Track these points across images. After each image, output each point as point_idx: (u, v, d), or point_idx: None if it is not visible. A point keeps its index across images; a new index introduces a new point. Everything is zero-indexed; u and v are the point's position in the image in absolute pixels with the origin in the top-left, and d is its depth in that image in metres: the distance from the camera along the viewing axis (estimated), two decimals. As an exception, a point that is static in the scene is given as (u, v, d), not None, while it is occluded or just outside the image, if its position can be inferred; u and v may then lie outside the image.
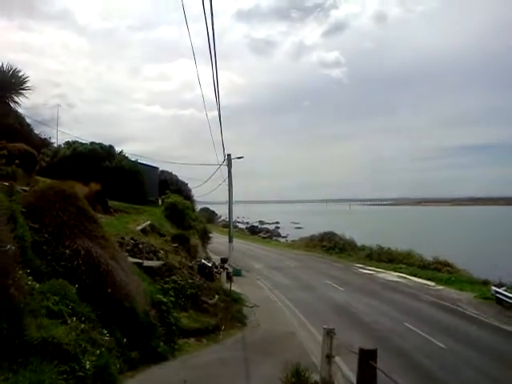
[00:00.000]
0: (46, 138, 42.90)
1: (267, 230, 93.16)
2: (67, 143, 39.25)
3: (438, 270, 34.84)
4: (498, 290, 22.82)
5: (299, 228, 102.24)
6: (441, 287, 28.02)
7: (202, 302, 18.32)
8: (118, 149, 40.34)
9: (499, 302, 22.23)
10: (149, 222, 25.89)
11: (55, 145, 41.82)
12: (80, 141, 38.81)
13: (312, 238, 55.64)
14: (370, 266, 37.64)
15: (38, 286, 10.60)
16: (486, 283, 27.37)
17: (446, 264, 36.34)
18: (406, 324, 18.68)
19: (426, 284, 29.32)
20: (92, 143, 38.46)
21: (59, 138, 43.42)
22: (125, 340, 11.63)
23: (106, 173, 32.58)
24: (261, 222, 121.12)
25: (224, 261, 29.75)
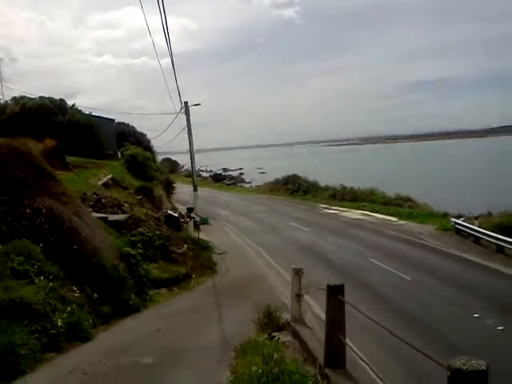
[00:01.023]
0: (-11, 95, 40.79)
1: (231, 177, 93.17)
2: (14, 99, 37.44)
3: (400, 205, 35.81)
4: (456, 220, 23.70)
5: (263, 173, 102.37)
6: (403, 222, 28.89)
7: (171, 252, 18.39)
8: (69, 102, 38.87)
9: (458, 232, 23.15)
10: (110, 176, 25.44)
11: (1, 101, 39.90)
12: (28, 96, 37.14)
13: (276, 182, 56.08)
14: (334, 206, 38.33)
15: (0, 247, 10.38)
16: (445, 216, 28.34)
17: (408, 199, 37.42)
18: (371, 259, 19.28)
19: (388, 220, 30.16)
20: (41, 98, 36.83)
21: (5, 94, 41.42)
22: (95, 295, 11.64)
23: (59, 128, 31.42)
24: (224, 170, 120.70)
25: (190, 210, 29.74)
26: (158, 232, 18.77)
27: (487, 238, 20.42)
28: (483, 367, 3.00)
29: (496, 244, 19.66)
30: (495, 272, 17.11)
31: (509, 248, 18.92)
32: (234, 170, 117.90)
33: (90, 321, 10.70)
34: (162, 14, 10.92)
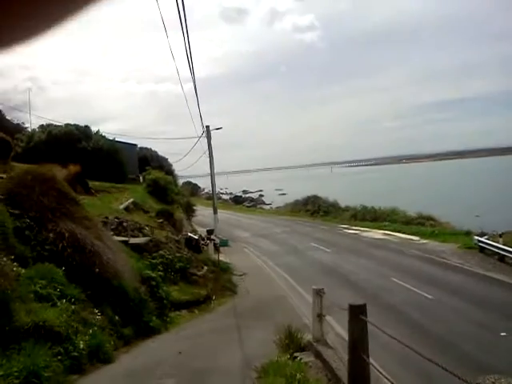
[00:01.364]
0: (19, 124, 41.98)
1: (251, 199, 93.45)
2: (41, 127, 38.33)
3: (421, 224, 35.38)
4: (480, 238, 23.30)
5: (283, 194, 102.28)
6: (425, 241, 28.52)
7: (191, 275, 18.43)
8: (94, 129, 39.67)
9: (482, 250, 22.73)
10: (132, 200, 25.73)
11: (29, 129, 40.90)
12: (55, 123, 38.02)
13: (296, 203, 56.03)
14: (355, 226, 38.06)
15: (23, 271, 10.54)
16: (468, 234, 27.88)
17: (430, 218, 36.95)
18: (394, 279, 19.03)
19: (410, 239, 29.80)
20: (67, 125, 37.65)
21: (33, 122, 42.53)
22: (117, 317, 11.71)
23: (83, 154, 32.03)
24: (244, 192, 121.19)
25: (210, 232, 29.85)
26: (178, 254, 18.87)
27: (512, 256, 20.01)
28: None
29: (522, 262, 19.25)
30: (522, 290, 16.72)
31: (535, 266, 18.51)
32: (254, 192, 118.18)
33: (112, 343, 10.75)
34: (186, 40, 11.17)
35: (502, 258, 20.89)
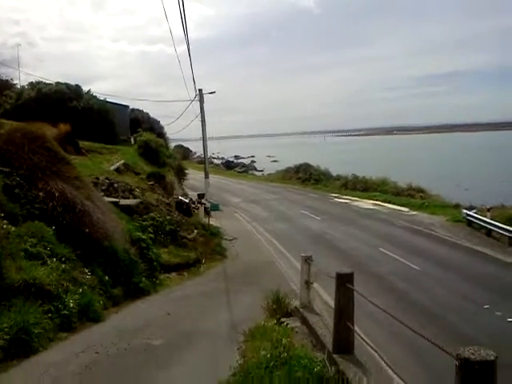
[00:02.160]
0: (7, 80, 41.04)
1: (243, 165, 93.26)
2: (31, 84, 37.53)
3: (411, 196, 35.57)
4: (468, 212, 23.52)
5: (275, 161, 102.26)
6: (414, 212, 28.76)
7: (182, 238, 18.52)
8: (85, 88, 38.94)
9: (470, 224, 22.99)
10: (122, 161, 25.57)
11: (18, 86, 40.04)
12: (44, 81, 37.25)
13: (288, 171, 55.99)
14: (346, 195, 38.22)
15: (13, 229, 10.54)
16: (457, 207, 28.11)
17: (420, 190, 37.14)
18: (382, 249, 19.26)
19: (400, 210, 30.03)
20: (57, 83, 36.89)
21: (22, 79, 41.58)
22: (106, 278, 11.78)
23: (74, 113, 31.55)
24: (236, 157, 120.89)
25: (201, 196, 29.84)
26: (168, 217, 18.91)
27: (499, 231, 20.25)
28: (492, 357, 3.01)
29: (508, 237, 19.50)
30: (506, 265, 17.01)
31: (521, 241, 18.79)
32: (246, 158, 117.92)
33: (102, 302, 10.86)
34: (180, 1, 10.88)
35: (489, 232, 21.17)
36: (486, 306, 12.39)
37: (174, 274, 15.54)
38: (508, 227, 19.75)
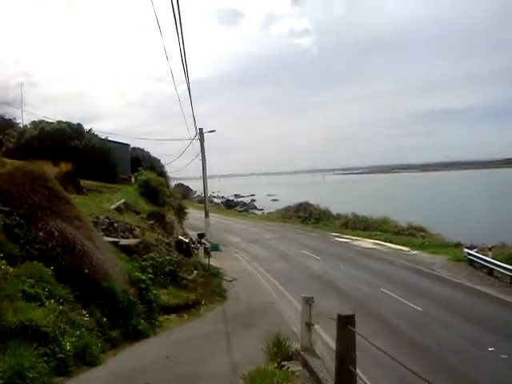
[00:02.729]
0: (10, 119, 41.61)
1: (243, 204, 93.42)
2: (33, 123, 37.98)
3: (412, 235, 35.52)
4: (469, 251, 23.42)
5: (275, 200, 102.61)
6: (415, 252, 28.62)
7: (181, 278, 18.35)
8: (86, 127, 39.39)
9: (471, 263, 22.85)
10: (123, 201, 25.61)
11: (21, 125, 40.51)
12: (47, 120, 37.73)
13: (288, 210, 56.07)
14: (346, 235, 38.14)
15: (12, 269, 10.44)
16: (458, 246, 28.03)
17: (420, 229, 37.10)
18: (383, 289, 19.08)
19: (400, 249, 29.90)
20: (59, 122, 37.37)
21: (25, 118, 42.10)
22: (105, 319, 11.60)
23: (75, 152, 31.85)
24: (236, 196, 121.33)
25: (201, 236, 29.74)
26: (168, 257, 18.78)
27: (501, 270, 20.11)
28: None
29: (510, 276, 19.35)
30: (508, 305, 16.82)
31: (523, 280, 18.63)
32: (246, 197, 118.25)
33: (99, 345, 10.65)
34: (180, 41, 11.12)
35: (490, 272, 21.01)
36: (490, 349, 12.18)
37: (173, 316, 15.30)
38: (509, 266, 19.63)
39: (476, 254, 22.69)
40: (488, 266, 21.22)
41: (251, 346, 11.24)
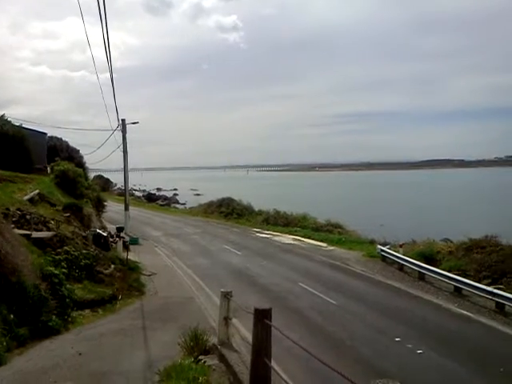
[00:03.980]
0: None
1: (165, 198, 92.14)
2: None
3: (330, 231, 36.67)
4: (382, 248, 24.56)
5: (198, 195, 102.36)
6: (332, 248, 29.55)
7: (98, 273, 17.75)
8: (-1, 112, 36.89)
9: (384, 259, 23.99)
10: (37, 191, 24.33)
11: None
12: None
13: (210, 205, 55.90)
14: (267, 230, 38.65)
15: None
16: (372, 242, 29.32)
17: (338, 226, 38.42)
18: (301, 284, 19.56)
19: (319, 245, 30.75)
20: (-33, 106, 34.85)
21: None
22: (12, 316, 11.00)
23: (-15, 139, 29.82)
24: (158, 190, 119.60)
25: (120, 229, 28.94)
26: (84, 251, 18.09)
27: (410, 266, 21.30)
28: (398, 388, 3.13)
29: (418, 271, 20.55)
30: (416, 298, 17.85)
31: (429, 275, 19.84)
32: (169, 191, 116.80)
33: (4, 344, 10.08)
34: (104, 27, 10.73)
35: (401, 267, 22.17)
36: (397, 339, 12.89)
37: (87, 311, 14.76)
38: (418, 262, 20.84)
39: (388, 251, 23.84)
40: (399, 262, 22.36)
41: (168, 341, 11.13)
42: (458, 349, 12.32)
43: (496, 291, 16.04)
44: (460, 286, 17.93)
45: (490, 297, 16.19)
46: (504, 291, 16.17)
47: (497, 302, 16.00)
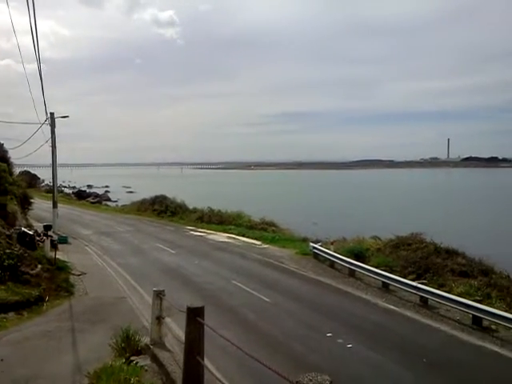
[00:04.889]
0: None
1: (96, 195, 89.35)
2: None
3: (264, 229, 37.02)
4: (314, 245, 25.11)
5: (131, 192, 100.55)
6: (266, 246, 29.87)
7: (23, 273, 16.94)
8: None
9: (316, 256, 24.54)
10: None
11: None
12: None
13: (143, 202, 54.83)
14: (202, 229, 38.45)
15: None
16: (305, 240, 29.91)
17: (272, 224, 38.87)
18: (235, 282, 19.63)
19: (253, 243, 30.97)
20: None
21: None
22: None
23: None
24: (89, 187, 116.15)
25: (48, 228, 27.74)
26: (8, 251, 17.21)
27: (341, 262, 21.94)
28: (327, 382, 3.23)
29: (348, 268, 21.21)
30: (346, 294, 18.42)
31: (359, 271, 20.54)
32: (100, 188, 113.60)
33: None
34: (32, 15, 10.25)
35: (332, 264, 22.79)
36: (328, 334, 13.26)
37: (12, 314, 14.06)
38: (348, 259, 21.52)
39: (320, 248, 24.40)
40: (330, 259, 22.96)
41: (99, 343, 10.85)
42: (384, 342, 12.87)
43: (420, 286, 16.86)
44: (387, 281, 18.70)
45: (415, 291, 17.01)
46: (427, 286, 17.05)
47: (421, 296, 16.84)
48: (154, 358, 8.61)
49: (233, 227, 37.59)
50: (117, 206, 69.57)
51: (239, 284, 19.26)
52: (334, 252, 23.14)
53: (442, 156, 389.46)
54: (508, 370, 11.58)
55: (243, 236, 33.82)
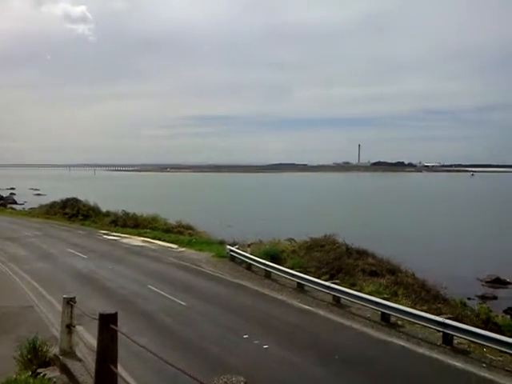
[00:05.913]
0: None
1: (0, 198, 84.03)
2: None
3: (180, 233, 36.60)
4: (231, 248, 25.21)
5: (39, 195, 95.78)
6: (183, 249, 29.57)
7: None
8: None
9: (233, 259, 24.66)
10: None
11: None
12: None
13: (53, 205, 52.24)
14: (116, 232, 37.34)
15: None
16: (222, 243, 29.93)
17: (189, 227, 38.51)
18: (150, 286, 19.25)
19: (169, 247, 30.55)
20: None
21: None
22: None
23: None
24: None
25: None
26: None
27: (257, 265, 22.20)
28: (242, 383, 3.26)
29: (264, 270, 21.52)
30: (263, 296, 18.67)
31: (275, 273, 20.90)
32: (4, 190, 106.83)
33: None
34: None
35: (249, 267, 22.99)
36: (245, 336, 13.39)
37: None
38: (264, 261, 21.83)
39: (236, 251, 24.53)
40: (247, 262, 23.15)
41: (2, 356, 10.19)
42: (299, 341, 13.21)
43: (333, 286, 17.47)
44: (302, 282, 19.19)
45: (328, 291, 17.59)
46: (339, 285, 17.71)
47: (333, 296, 17.45)
48: (64, 369, 8.24)
49: (148, 231, 36.85)
50: (24, 209, 65.87)
51: (155, 288, 18.90)
52: (251, 254, 23.38)
53: (353, 161, 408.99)
54: (413, 362, 12.31)
55: (159, 240, 33.25)
